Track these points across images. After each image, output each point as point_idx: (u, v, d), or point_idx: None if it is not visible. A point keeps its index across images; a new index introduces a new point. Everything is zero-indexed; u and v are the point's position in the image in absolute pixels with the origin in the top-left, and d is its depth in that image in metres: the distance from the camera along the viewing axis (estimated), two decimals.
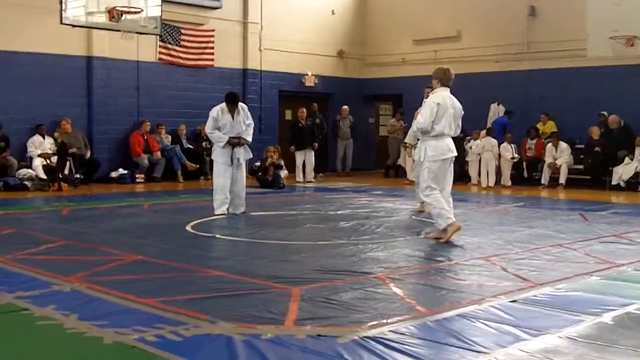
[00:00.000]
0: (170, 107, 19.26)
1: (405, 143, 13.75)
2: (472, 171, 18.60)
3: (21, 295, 5.74)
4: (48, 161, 16.26)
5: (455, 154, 9.33)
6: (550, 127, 19.18)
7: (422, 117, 9.05)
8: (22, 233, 9.24)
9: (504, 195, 16.04)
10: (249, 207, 11.78)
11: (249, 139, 11.65)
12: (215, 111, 11.44)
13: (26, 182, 15.41)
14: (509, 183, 18.11)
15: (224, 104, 11.47)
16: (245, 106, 11.78)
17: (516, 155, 18.34)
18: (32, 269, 6.81)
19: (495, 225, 10.57)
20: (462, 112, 9.30)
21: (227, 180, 11.38)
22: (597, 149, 17.60)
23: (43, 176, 15.84)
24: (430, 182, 9.01)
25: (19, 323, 5.07)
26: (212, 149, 11.93)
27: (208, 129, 11.51)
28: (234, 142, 11.36)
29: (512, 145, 18.33)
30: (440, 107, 8.95)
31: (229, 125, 11.33)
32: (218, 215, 11.22)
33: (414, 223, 10.87)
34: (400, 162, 20.45)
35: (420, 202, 12.21)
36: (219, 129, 11.37)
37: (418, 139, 11.91)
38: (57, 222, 10.60)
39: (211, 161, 18.89)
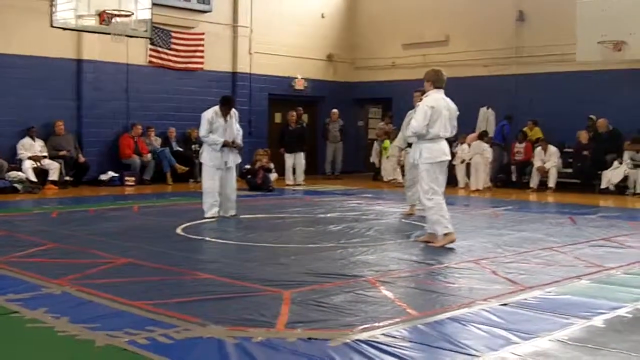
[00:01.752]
0: (160, 110, 19.25)
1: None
2: (459, 175, 18.62)
3: (11, 298, 5.73)
4: (38, 164, 16.23)
5: (450, 158, 9.26)
6: (536, 133, 19.25)
7: (416, 122, 8.87)
8: (12, 236, 9.22)
9: (493, 199, 16.06)
10: (238, 210, 11.77)
11: (241, 144, 11.71)
12: (209, 114, 11.39)
13: (16, 185, 15.35)
14: (482, 186, 18.06)
15: (217, 107, 11.44)
16: (236, 112, 11.77)
17: (488, 156, 18.30)
18: (22, 272, 6.79)
19: (484, 229, 10.60)
20: (458, 113, 9.19)
21: (217, 182, 11.38)
22: (585, 152, 17.68)
23: (33, 178, 15.81)
24: (433, 184, 8.85)
25: (9, 326, 5.06)
26: (200, 152, 11.91)
27: (203, 132, 11.41)
28: (230, 144, 11.35)
29: (490, 148, 18.37)
30: (434, 110, 8.79)
31: (221, 129, 11.33)
32: (208, 218, 11.22)
33: (403, 226, 10.89)
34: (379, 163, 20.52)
35: (410, 205, 12.24)
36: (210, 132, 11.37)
37: (408, 143, 11.95)
38: (47, 225, 10.55)
39: (201, 164, 19.04)
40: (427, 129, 8.80)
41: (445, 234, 8.76)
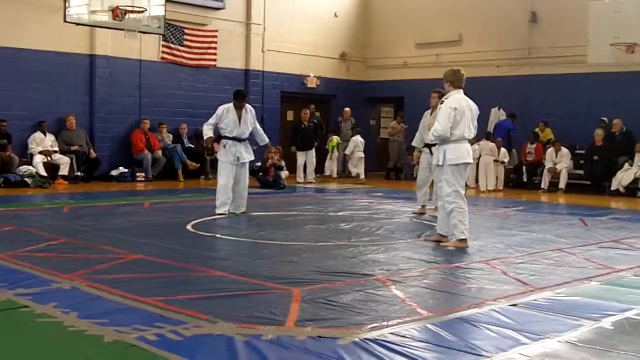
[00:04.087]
0: (172, 106, 19.29)
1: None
2: (470, 175, 18.59)
3: (21, 293, 5.75)
4: (49, 158, 16.28)
5: (472, 160, 9.22)
6: (547, 134, 19.23)
7: (440, 124, 8.68)
8: (23, 230, 9.24)
9: (504, 199, 16.03)
10: (249, 207, 11.78)
11: (266, 139, 12.09)
12: (221, 109, 11.49)
13: (26, 179, 15.41)
14: (492, 187, 18.03)
15: (231, 104, 11.49)
16: (252, 108, 11.77)
17: (504, 160, 18.32)
18: (32, 266, 6.81)
19: (495, 229, 10.58)
20: (478, 112, 9.08)
21: (231, 179, 11.41)
22: (595, 157, 17.61)
23: (44, 173, 15.86)
24: (458, 186, 8.75)
25: (19, 320, 5.08)
26: (218, 148, 11.93)
27: (208, 121, 11.58)
28: (209, 147, 11.94)
29: (503, 150, 18.36)
30: (457, 111, 8.64)
31: (232, 124, 11.35)
32: (219, 214, 11.23)
33: (414, 225, 10.88)
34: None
35: (421, 204, 12.23)
36: (220, 128, 11.44)
37: (425, 144, 11.94)
38: (57, 220, 10.57)
39: (212, 161, 19.05)
40: (451, 130, 8.68)
41: (460, 239, 8.71)
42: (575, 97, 18.99)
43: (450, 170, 8.77)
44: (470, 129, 8.84)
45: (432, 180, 12.00)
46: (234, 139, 11.42)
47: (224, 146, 11.42)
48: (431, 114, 11.88)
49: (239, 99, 11.51)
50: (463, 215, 8.73)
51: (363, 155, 20.48)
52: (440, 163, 8.87)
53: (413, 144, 12.78)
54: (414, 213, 12.24)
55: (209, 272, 6.83)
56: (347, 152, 20.62)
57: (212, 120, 11.50)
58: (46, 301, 5.46)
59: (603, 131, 17.87)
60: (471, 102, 8.92)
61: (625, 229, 10.84)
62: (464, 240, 8.71)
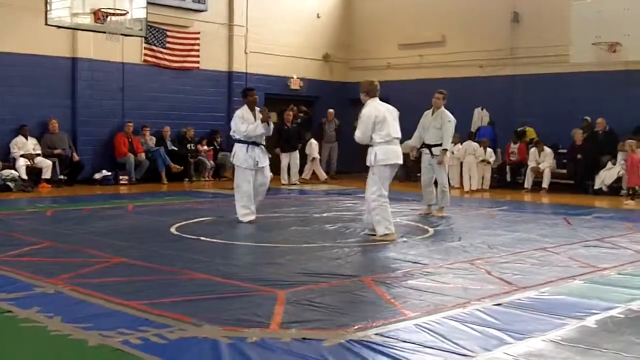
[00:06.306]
0: (155, 109, 19.18)
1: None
2: (454, 175, 18.65)
3: (4, 297, 5.72)
4: (31, 162, 16.19)
5: (401, 161, 9.56)
6: (530, 133, 19.25)
7: (359, 132, 9.39)
8: (5, 234, 9.20)
9: (488, 199, 16.06)
10: (232, 210, 11.50)
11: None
12: (240, 112, 10.92)
13: (9, 183, 15.31)
14: (476, 187, 18.08)
15: (244, 107, 10.99)
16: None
17: (490, 160, 18.41)
18: (15, 271, 6.78)
19: (479, 229, 10.60)
20: (398, 113, 9.52)
21: (251, 186, 10.87)
22: (579, 156, 17.67)
23: (25, 177, 15.76)
24: (382, 187, 9.26)
25: (2, 325, 5.06)
26: (232, 153, 11.20)
27: (242, 128, 10.74)
28: (267, 116, 10.84)
29: (489, 149, 18.46)
30: (377, 118, 9.26)
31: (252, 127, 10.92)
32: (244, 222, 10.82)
33: (398, 227, 10.85)
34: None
35: (427, 204, 12.27)
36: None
37: (423, 143, 12.17)
38: (41, 224, 10.53)
39: (196, 163, 19.00)
40: (378, 132, 9.23)
41: (386, 234, 9.17)
42: (558, 96, 19.04)
43: (377, 170, 9.26)
44: (396, 130, 9.42)
45: (436, 180, 12.27)
46: (253, 143, 10.88)
47: (246, 151, 10.87)
48: (432, 114, 12.07)
49: (249, 97, 11.04)
50: (385, 212, 9.24)
51: (317, 156, 20.83)
52: (372, 164, 9.29)
53: (411, 143, 12.66)
54: (419, 214, 12.26)
55: (193, 274, 6.81)
56: (314, 155, 20.58)
57: (243, 125, 10.75)
58: (29, 306, 5.44)
59: (582, 131, 17.93)
60: (390, 107, 9.64)
61: (609, 228, 10.88)
62: (391, 234, 9.20)
